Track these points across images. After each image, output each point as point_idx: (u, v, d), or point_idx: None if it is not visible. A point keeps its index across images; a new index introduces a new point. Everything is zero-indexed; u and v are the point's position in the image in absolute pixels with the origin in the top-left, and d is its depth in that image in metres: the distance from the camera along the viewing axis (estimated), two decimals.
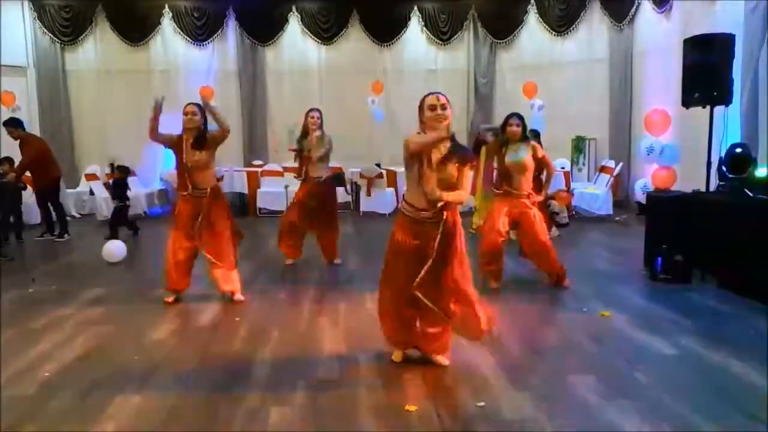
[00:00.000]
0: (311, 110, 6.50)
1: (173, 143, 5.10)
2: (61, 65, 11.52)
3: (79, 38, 11.53)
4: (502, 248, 5.47)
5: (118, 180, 8.66)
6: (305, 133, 6.44)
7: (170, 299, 5.15)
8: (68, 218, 10.18)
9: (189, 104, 5.14)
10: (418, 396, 3.32)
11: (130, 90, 11.70)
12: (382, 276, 3.71)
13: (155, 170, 11.69)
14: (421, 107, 3.54)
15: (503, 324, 4.43)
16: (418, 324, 3.72)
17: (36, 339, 4.27)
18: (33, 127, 10.43)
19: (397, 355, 3.82)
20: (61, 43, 11.44)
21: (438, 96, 3.50)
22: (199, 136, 5.03)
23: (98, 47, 11.71)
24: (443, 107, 3.45)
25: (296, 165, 6.66)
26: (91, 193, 10.45)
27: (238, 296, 5.23)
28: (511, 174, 5.38)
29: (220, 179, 8.08)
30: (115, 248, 6.86)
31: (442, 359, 3.74)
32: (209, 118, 5.10)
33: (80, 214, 10.71)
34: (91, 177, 10.35)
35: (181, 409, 3.19)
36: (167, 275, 5.16)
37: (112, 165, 10.71)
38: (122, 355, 3.96)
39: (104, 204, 9.90)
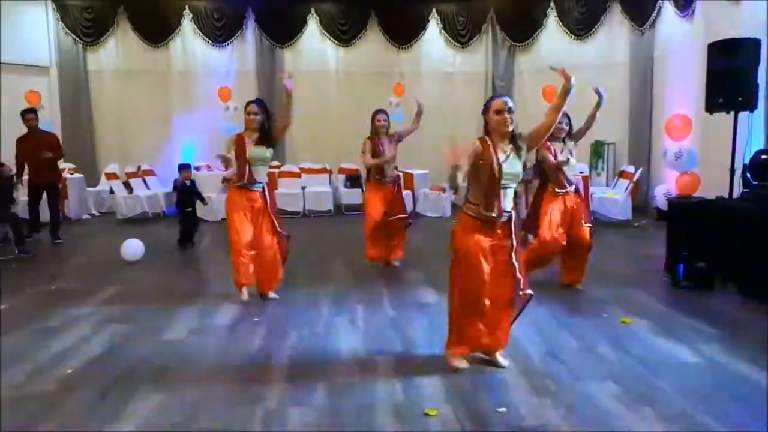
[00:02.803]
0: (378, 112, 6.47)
1: (236, 145, 5.08)
2: (83, 65, 11.64)
3: (101, 39, 11.65)
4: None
5: (183, 182, 8.24)
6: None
7: (244, 297, 5.18)
8: (87, 216, 10.37)
9: (250, 103, 5.17)
10: (437, 399, 3.30)
11: (150, 90, 11.83)
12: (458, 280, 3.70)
13: (174, 170, 11.74)
14: (486, 110, 3.60)
15: (522, 329, 4.41)
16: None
17: (55, 336, 4.32)
18: (55, 126, 10.56)
19: (463, 361, 3.77)
20: (83, 44, 11.56)
21: (505, 101, 3.56)
22: (264, 133, 5.07)
23: (119, 48, 11.83)
24: (510, 111, 3.53)
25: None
26: (111, 191, 10.54)
27: (273, 295, 5.28)
28: (557, 171, 5.40)
29: None
30: (134, 247, 6.91)
31: (504, 360, 3.80)
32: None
33: (99, 212, 10.82)
34: (111, 176, 10.45)
35: (200, 408, 3.20)
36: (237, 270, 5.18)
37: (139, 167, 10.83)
38: (141, 354, 3.99)
39: (123, 203, 9.99)
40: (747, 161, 6.05)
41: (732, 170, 6.16)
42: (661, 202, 9.08)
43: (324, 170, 11.28)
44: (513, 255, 3.66)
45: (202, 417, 3.10)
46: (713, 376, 3.63)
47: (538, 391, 3.39)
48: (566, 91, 3.55)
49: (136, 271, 6.52)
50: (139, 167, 10.87)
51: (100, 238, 8.58)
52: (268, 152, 5.12)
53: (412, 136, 6.61)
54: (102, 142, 11.92)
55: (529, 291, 3.67)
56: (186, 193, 8.06)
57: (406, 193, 10.44)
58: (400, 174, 7.09)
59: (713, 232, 5.69)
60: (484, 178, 3.52)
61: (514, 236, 3.68)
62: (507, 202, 3.59)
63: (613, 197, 9.51)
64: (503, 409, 3.17)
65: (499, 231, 3.62)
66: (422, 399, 3.31)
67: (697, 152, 8.04)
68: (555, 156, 5.39)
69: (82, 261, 7.12)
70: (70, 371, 3.68)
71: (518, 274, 3.64)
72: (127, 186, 10.38)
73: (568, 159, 5.34)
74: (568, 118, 5.43)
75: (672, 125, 8.18)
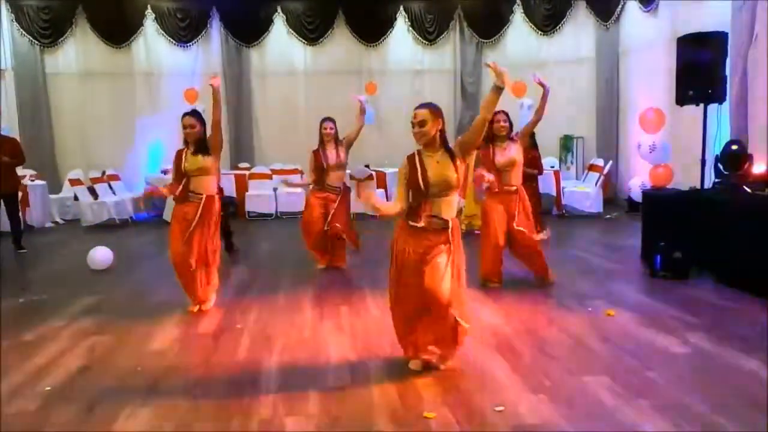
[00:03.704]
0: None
1: (174, 161, 4.96)
2: (41, 68, 11.28)
3: (59, 40, 11.31)
4: (504, 248, 5.50)
5: None
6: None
7: (194, 308, 5.03)
8: (51, 224, 10.03)
9: (186, 116, 4.95)
10: (434, 402, 3.25)
11: (113, 92, 11.55)
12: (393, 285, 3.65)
13: (140, 174, 11.49)
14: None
15: (510, 325, 4.41)
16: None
17: (32, 352, 4.13)
18: (13, 130, 10.16)
19: (417, 364, 3.69)
20: (40, 45, 11.20)
21: (416, 113, 3.49)
22: (200, 143, 4.89)
23: (79, 49, 11.50)
24: (421, 124, 3.46)
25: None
26: (76, 198, 10.21)
27: (207, 306, 5.08)
28: (500, 171, 5.35)
29: None
30: (102, 255, 6.69)
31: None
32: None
33: (64, 219, 10.48)
34: (75, 182, 10.14)
35: (193, 421, 3.09)
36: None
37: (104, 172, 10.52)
38: (124, 367, 3.84)
39: (89, 209, 9.69)
40: (718, 152, 6.18)
41: (703, 161, 6.28)
42: (636, 194, 9.24)
43: (295, 171, 11.14)
44: (448, 267, 3.49)
45: (196, 430, 3.00)
46: (703, 364, 3.68)
47: (533, 388, 3.37)
48: (498, 89, 3.38)
49: (108, 280, 6.31)
50: (103, 172, 10.56)
51: (66, 247, 8.29)
52: (204, 161, 4.85)
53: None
54: (63, 147, 11.56)
55: (455, 312, 3.51)
56: None
57: (379, 191, 10.46)
58: (350, 186, 6.96)
59: (687, 222, 5.81)
60: (413, 190, 3.49)
61: (452, 247, 3.52)
62: (443, 211, 3.49)
63: (584, 190, 9.64)
64: (501, 408, 3.15)
65: (433, 238, 3.49)
66: (419, 402, 3.26)
67: (669, 145, 8.20)
68: (492, 156, 5.35)
69: (50, 271, 6.86)
70: (48, 388, 3.52)
71: (444, 289, 3.45)
72: (92, 192, 10.07)
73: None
74: (507, 116, 5.41)
75: (645, 118, 8.32)
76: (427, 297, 3.47)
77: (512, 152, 5.35)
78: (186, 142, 4.93)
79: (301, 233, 6.55)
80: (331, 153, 6.28)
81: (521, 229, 5.37)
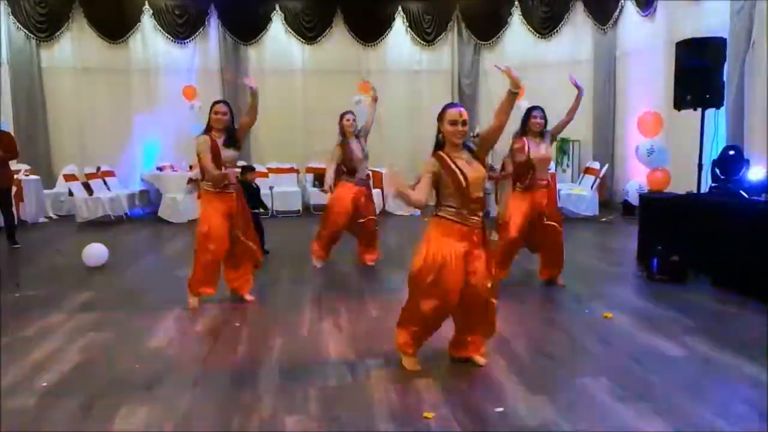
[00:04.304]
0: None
1: (212, 148, 4.91)
2: (36, 62, 11.19)
3: (56, 34, 11.23)
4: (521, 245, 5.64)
5: (250, 184, 7.60)
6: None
7: (194, 304, 5.03)
8: (45, 219, 9.97)
9: (218, 103, 5.02)
10: (434, 402, 3.25)
11: (109, 88, 11.47)
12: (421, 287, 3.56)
13: (135, 171, 11.44)
14: (441, 118, 3.53)
15: (509, 327, 4.41)
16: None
17: (29, 348, 4.09)
18: (7, 125, 10.08)
19: (413, 363, 3.71)
20: (36, 40, 11.11)
21: (460, 111, 3.49)
22: (231, 135, 4.95)
23: (75, 44, 11.41)
24: (464, 123, 3.47)
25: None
26: (70, 193, 10.15)
27: (248, 296, 5.20)
28: (533, 166, 5.37)
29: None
30: (97, 252, 6.65)
31: (482, 359, 3.76)
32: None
33: (58, 215, 10.41)
34: (70, 177, 10.09)
35: (192, 420, 3.08)
36: (194, 277, 5.04)
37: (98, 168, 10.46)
38: (122, 364, 3.81)
39: (83, 205, 9.63)
40: (715, 157, 6.21)
41: (700, 166, 6.31)
42: (632, 198, 9.28)
43: (291, 170, 11.13)
44: (488, 268, 3.56)
45: (196, 429, 2.98)
46: (701, 367, 3.69)
47: (533, 390, 3.38)
48: (512, 94, 3.39)
49: (104, 276, 6.28)
50: (98, 168, 10.51)
51: (60, 243, 8.23)
52: (236, 154, 5.05)
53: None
54: (58, 143, 11.47)
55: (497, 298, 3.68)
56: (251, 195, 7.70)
57: (375, 191, 10.43)
58: (370, 173, 7.02)
59: (684, 226, 5.83)
60: (453, 189, 3.46)
61: (485, 243, 3.59)
62: (478, 208, 3.54)
63: (580, 193, 9.67)
64: (501, 409, 3.15)
65: (474, 238, 3.52)
66: (418, 401, 3.26)
67: (666, 149, 8.24)
68: (528, 151, 5.38)
69: (45, 267, 6.81)
70: (44, 384, 3.49)
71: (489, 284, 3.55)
72: (87, 188, 10.01)
73: (556, 157, 5.36)
74: (543, 112, 5.45)
75: (644, 122, 8.35)
76: (473, 295, 3.51)
77: (545, 148, 5.40)
78: (209, 129, 4.94)
79: (324, 225, 6.41)
80: (355, 146, 6.30)
81: (552, 223, 5.44)
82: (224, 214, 4.95)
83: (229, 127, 4.96)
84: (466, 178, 3.44)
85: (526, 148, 5.36)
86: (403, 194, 3.35)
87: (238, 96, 11.70)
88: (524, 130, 5.42)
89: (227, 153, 4.94)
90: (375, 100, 6.47)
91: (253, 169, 7.98)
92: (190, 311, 4.94)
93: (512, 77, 3.39)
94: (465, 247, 3.48)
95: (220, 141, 4.93)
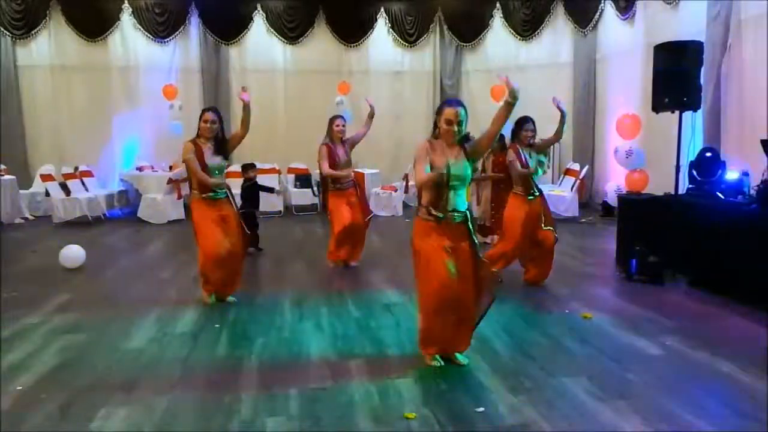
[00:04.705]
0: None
1: (197, 154, 4.91)
2: (12, 60, 10.97)
3: (33, 32, 11.00)
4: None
5: (249, 181, 7.86)
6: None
7: (209, 300, 5.08)
8: (21, 220, 9.80)
9: (208, 110, 5.03)
10: (415, 402, 3.26)
11: (87, 87, 11.29)
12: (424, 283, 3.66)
13: (114, 171, 11.29)
14: (439, 113, 3.59)
15: (490, 327, 4.43)
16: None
17: (4, 349, 4.02)
18: None
19: (437, 359, 3.75)
20: (12, 37, 10.90)
21: (458, 111, 3.52)
22: (220, 144, 4.97)
23: (53, 42, 11.19)
24: (460, 123, 3.51)
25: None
26: (47, 194, 9.98)
27: (230, 298, 5.20)
28: (527, 175, 5.52)
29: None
30: (74, 254, 6.55)
31: (464, 358, 3.80)
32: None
33: (34, 216, 10.23)
34: (47, 177, 9.90)
35: (172, 421, 3.05)
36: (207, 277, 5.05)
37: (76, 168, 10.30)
38: (100, 366, 3.77)
39: (60, 206, 9.48)
40: (692, 159, 6.30)
41: (678, 167, 6.39)
42: (612, 199, 9.37)
43: (273, 170, 11.05)
44: (478, 255, 3.65)
45: (175, 431, 2.95)
46: (679, 367, 3.74)
47: (513, 390, 3.40)
48: (509, 104, 3.45)
49: (82, 278, 6.19)
50: (76, 168, 10.34)
51: (37, 244, 8.09)
52: (224, 162, 5.07)
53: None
54: (35, 142, 11.25)
55: (493, 292, 3.69)
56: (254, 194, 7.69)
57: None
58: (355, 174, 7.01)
59: (662, 227, 5.91)
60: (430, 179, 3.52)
61: (474, 236, 3.67)
62: (459, 203, 3.58)
63: (560, 194, 9.75)
64: (481, 409, 3.17)
65: (455, 231, 3.59)
66: (400, 402, 3.27)
67: (644, 151, 8.34)
68: (525, 164, 5.47)
69: (20, 268, 6.68)
70: (20, 388, 3.43)
71: (481, 276, 3.63)
72: (64, 188, 9.84)
73: (536, 168, 5.46)
74: (533, 123, 5.56)
75: (622, 124, 8.44)
76: (460, 289, 3.56)
77: (533, 159, 5.55)
78: (198, 136, 4.96)
79: (336, 231, 6.32)
80: (340, 150, 6.30)
81: (549, 228, 5.56)
82: (216, 221, 4.95)
83: (218, 136, 4.97)
84: (448, 168, 3.48)
85: (523, 159, 5.48)
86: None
87: (219, 95, 11.65)
88: (514, 140, 5.57)
89: (214, 161, 4.94)
90: (372, 116, 6.41)
91: (254, 166, 7.99)
92: (169, 313, 4.89)
93: (510, 88, 3.43)
94: (447, 241, 3.54)
95: (206, 148, 4.93)
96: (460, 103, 3.60)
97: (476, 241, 3.69)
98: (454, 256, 3.56)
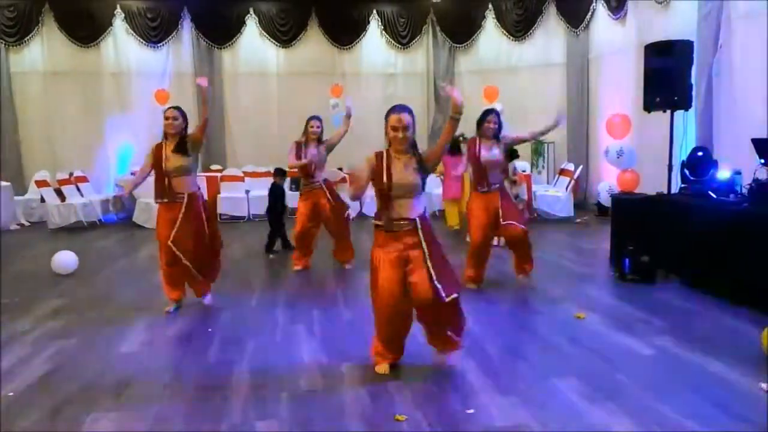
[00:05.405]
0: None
1: (154, 158, 4.88)
2: (5, 66, 10.98)
3: (25, 39, 11.02)
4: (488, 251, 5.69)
5: (277, 186, 8.00)
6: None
7: (169, 308, 5.01)
8: (16, 226, 9.79)
9: (170, 108, 4.96)
10: (406, 404, 3.26)
11: (81, 93, 11.30)
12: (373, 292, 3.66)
13: (109, 176, 11.29)
14: (387, 118, 3.54)
15: (480, 328, 4.43)
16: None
17: None
18: None
19: (384, 368, 3.71)
20: (5, 44, 10.91)
21: (401, 117, 3.47)
22: (181, 142, 4.85)
23: (45, 48, 11.21)
24: (405, 129, 3.47)
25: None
26: (42, 200, 9.97)
27: (207, 299, 5.15)
28: (484, 168, 5.45)
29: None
30: (66, 260, 6.54)
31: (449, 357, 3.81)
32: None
33: (29, 222, 10.22)
34: (42, 183, 9.89)
35: (162, 425, 3.04)
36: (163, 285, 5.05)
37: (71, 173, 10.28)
38: (91, 370, 3.76)
39: (56, 211, 9.47)
40: (684, 158, 6.31)
41: (670, 167, 6.41)
42: (604, 199, 9.38)
43: (267, 173, 11.02)
44: (428, 262, 3.49)
45: None
46: (669, 367, 3.74)
47: (504, 391, 3.40)
48: (453, 119, 3.42)
49: (74, 283, 6.17)
50: (71, 174, 10.33)
51: (32, 249, 8.08)
52: (184, 160, 4.85)
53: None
54: (29, 148, 11.26)
55: (454, 294, 3.53)
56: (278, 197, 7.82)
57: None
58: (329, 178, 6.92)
59: (655, 226, 5.92)
60: (377, 190, 3.53)
61: (425, 244, 3.51)
62: (405, 211, 3.51)
63: (555, 194, 9.76)
64: (472, 411, 3.17)
65: (404, 240, 3.51)
66: (390, 404, 3.27)
67: (636, 150, 8.35)
68: (477, 152, 5.44)
69: (14, 273, 6.67)
70: (11, 394, 3.42)
71: (436, 282, 3.45)
72: (59, 194, 9.83)
73: (514, 180, 5.47)
74: (498, 116, 5.54)
75: (612, 124, 8.45)
76: (417, 295, 3.48)
77: (496, 152, 5.45)
78: (165, 137, 4.89)
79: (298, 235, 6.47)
80: (312, 151, 6.30)
81: (511, 222, 5.46)
82: (169, 223, 4.87)
83: (181, 133, 4.88)
84: (390, 179, 3.45)
85: (477, 150, 5.44)
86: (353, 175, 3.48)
87: (213, 98, 11.63)
88: (478, 132, 5.54)
89: (175, 160, 4.82)
90: (349, 117, 6.37)
91: (284, 172, 8.01)
92: (161, 317, 4.88)
93: (455, 103, 3.38)
94: (397, 251, 3.50)
95: (170, 149, 4.85)
96: (405, 109, 3.52)
97: (425, 250, 3.51)
98: (403, 265, 3.49)
